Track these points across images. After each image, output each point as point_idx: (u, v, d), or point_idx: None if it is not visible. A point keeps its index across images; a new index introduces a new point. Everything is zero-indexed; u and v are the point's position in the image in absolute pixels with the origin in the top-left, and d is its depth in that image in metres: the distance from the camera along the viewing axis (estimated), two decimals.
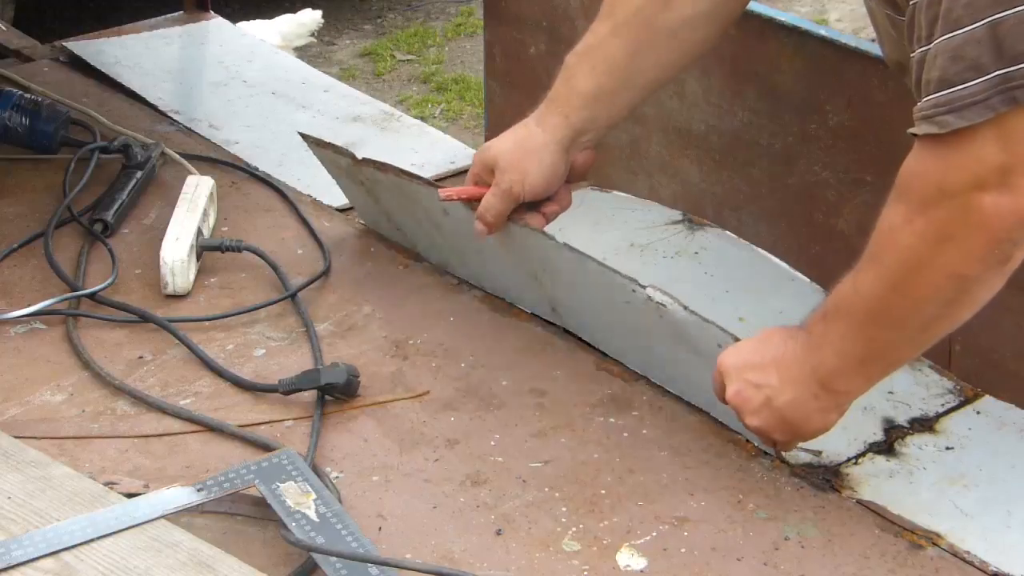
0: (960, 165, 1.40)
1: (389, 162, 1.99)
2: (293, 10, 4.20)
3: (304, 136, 2.12)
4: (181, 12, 2.96)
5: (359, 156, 2.02)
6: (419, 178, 1.96)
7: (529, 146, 1.79)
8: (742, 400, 1.62)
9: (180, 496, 1.56)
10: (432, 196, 1.92)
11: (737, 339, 1.63)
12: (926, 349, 1.59)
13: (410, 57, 5.07)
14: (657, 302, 1.70)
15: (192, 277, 2.02)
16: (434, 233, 2.01)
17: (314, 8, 4.21)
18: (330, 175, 2.15)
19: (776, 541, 1.59)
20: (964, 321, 1.52)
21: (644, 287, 1.71)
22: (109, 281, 2.00)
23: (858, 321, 1.53)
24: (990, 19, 1.36)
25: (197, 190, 2.12)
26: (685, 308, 1.68)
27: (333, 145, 2.07)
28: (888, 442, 1.76)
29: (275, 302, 1.99)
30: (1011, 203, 1.39)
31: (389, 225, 2.11)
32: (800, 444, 1.66)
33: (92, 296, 1.98)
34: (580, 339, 1.91)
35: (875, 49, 1.86)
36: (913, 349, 1.58)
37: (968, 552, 1.58)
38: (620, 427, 1.76)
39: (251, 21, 3.84)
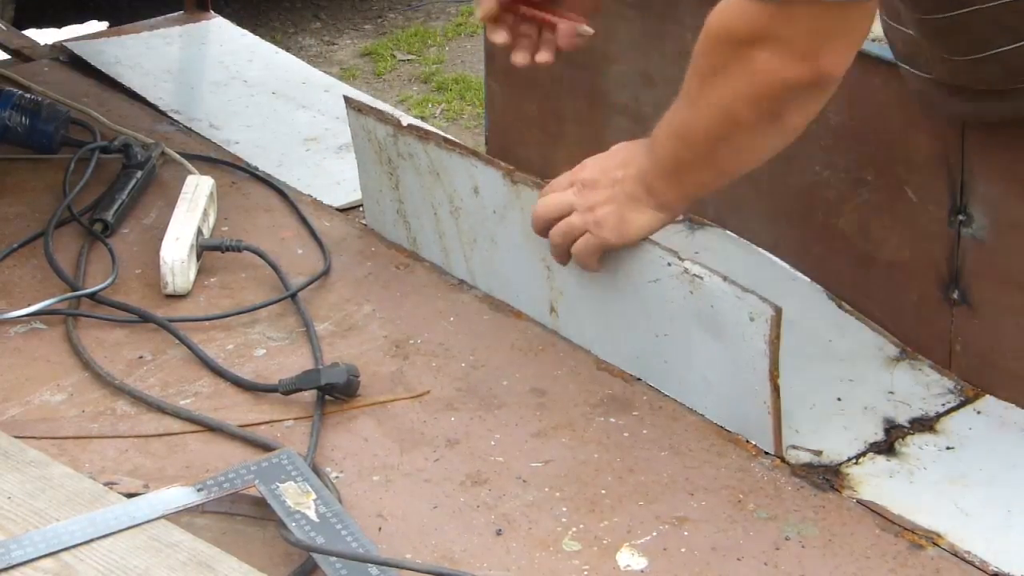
0: (751, 20, 1.56)
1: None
2: (292, 10, 4.20)
3: (347, 100, 2.13)
4: (181, 12, 2.96)
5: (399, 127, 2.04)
6: (462, 147, 1.98)
7: None
8: (594, 188, 1.76)
9: (180, 496, 1.56)
10: (468, 171, 1.93)
11: (779, 308, 1.65)
12: (723, 180, 1.74)
13: (410, 57, 5.07)
14: (694, 274, 1.70)
15: (192, 277, 2.02)
16: (447, 222, 2.02)
17: (315, 9, 4.21)
18: (356, 151, 2.14)
19: (776, 541, 1.59)
20: (748, 165, 1.70)
21: (682, 260, 1.72)
22: (109, 281, 2.00)
23: (671, 133, 1.70)
24: None
25: (197, 190, 2.12)
26: (725, 279, 1.69)
27: (377, 110, 2.09)
28: (888, 442, 1.76)
29: (275, 302, 1.99)
30: (777, 67, 1.56)
31: (395, 218, 2.11)
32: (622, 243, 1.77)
33: (92, 296, 1.98)
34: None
35: (875, 49, 1.86)
36: (708, 174, 1.72)
37: (969, 552, 1.58)
38: (620, 427, 1.76)
39: (42, 29, 3.79)
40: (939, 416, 1.80)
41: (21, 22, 4.15)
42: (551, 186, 1.82)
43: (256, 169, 2.35)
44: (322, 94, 2.65)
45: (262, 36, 3.02)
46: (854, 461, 1.72)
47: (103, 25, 4.13)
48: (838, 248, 1.97)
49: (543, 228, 1.83)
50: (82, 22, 3.96)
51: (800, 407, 1.79)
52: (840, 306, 1.97)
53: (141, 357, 1.88)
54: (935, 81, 1.74)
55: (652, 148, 1.73)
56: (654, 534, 1.60)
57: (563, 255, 1.83)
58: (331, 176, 2.36)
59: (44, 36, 2.96)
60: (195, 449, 1.72)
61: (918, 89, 1.78)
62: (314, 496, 1.57)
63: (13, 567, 1.43)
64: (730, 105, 1.62)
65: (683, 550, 1.58)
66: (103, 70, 2.68)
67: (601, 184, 1.77)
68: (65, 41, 2.80)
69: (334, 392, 1.79)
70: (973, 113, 1.74)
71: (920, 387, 1.84)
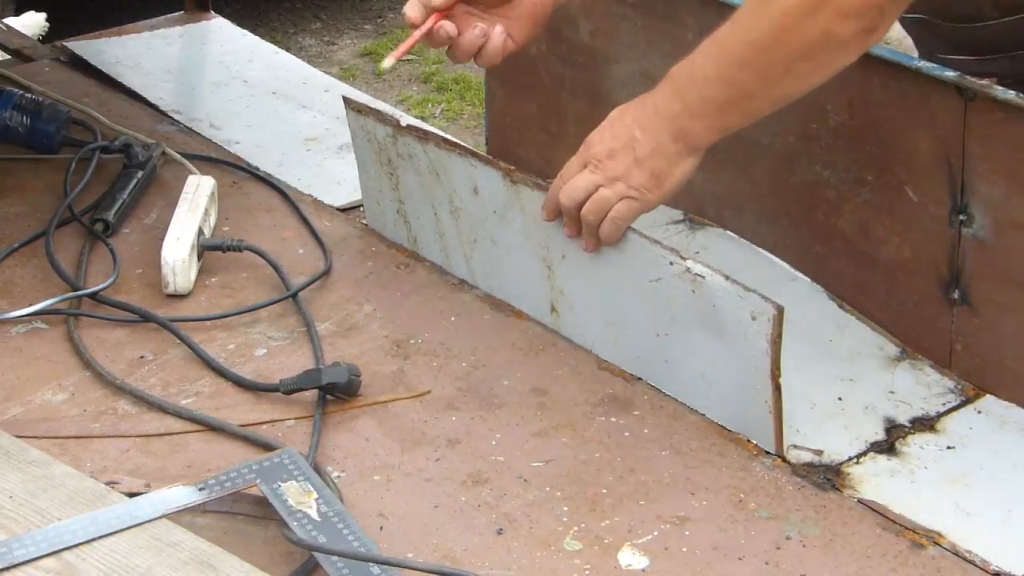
0: None
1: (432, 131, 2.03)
2: (292, 10, 4.19)
3: (346, 100, 2.13)
4: (181, 12, 2.96)
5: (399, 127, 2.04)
6: (462, 147, 1.98)
7: None
8: (612, 158, 1.75)
9: (181, 495, 1.56)
10: (468, 171, 1.93)
11: (780, 307, 1.65)
12: (774, 108, 1.73)
13: (410, 57, 5.07)
14: (696, 273, 1.71)
15: (193, 277, 2.02)
16: (447, 223, 2.02)
17: (315, 9, 4.21)
18: (355, 151, 2.14)
19: (777, 540, 1.59)
20: (812, 87, 1.69)
21: (684, 259, 1.72)
22: (110, 281, 2.00)
23: (728, 63, 1.68)
24: None
25: (198, 190, 2.12)
26: (727, 278, 1.69)
27: (376, 111, 2.09)
28: (889, 441, 1.76)
29: (276, 302, 1.99)
30: None
31: (395, 218, 2.11)
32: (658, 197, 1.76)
33: (93, 296, 1.98)
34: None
35: (876, 49, 1.86)
36: (766, 102, 1.72)
37: (969, 551, 1.58)
38: (621, 426, 1.76)
39: None
40: (940, 416, 1.80)
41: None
42: (564, 173, 1.81)
43: (257, 169, 2.35)
44: (322, 94, 2.65)
45: (262, 36, 3.02)
46: (855, 460, 1.72)
47: (40, 16, 4.14)
48: (838, 248, 1.97)
49: (575, 213, 1.80)
50: (83, 23, 3.96)
51: (801, 406, 1.79)
52: (840, 306, 1.97)
53: (142, 357, 1.89)
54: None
55: (686, 90, 1.71)
56: (655, 533, 1.60)
57: (594, 233, 1.80)
58: (332, 176, 2.36)
59: None
60: (196, 449, 1.72)
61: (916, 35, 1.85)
62: (316, 495, 1.57)
63: (15, 566, 1.44)
64: (830, 22, 1.60)
65: (684, 549, 1.58)
66: (104, 70, 2.68)
67: (619, 152, 1.75)
68: (66, 41, 2.80)
69: (335, 392, 1.79)
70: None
71: (921, 387, 1.85)
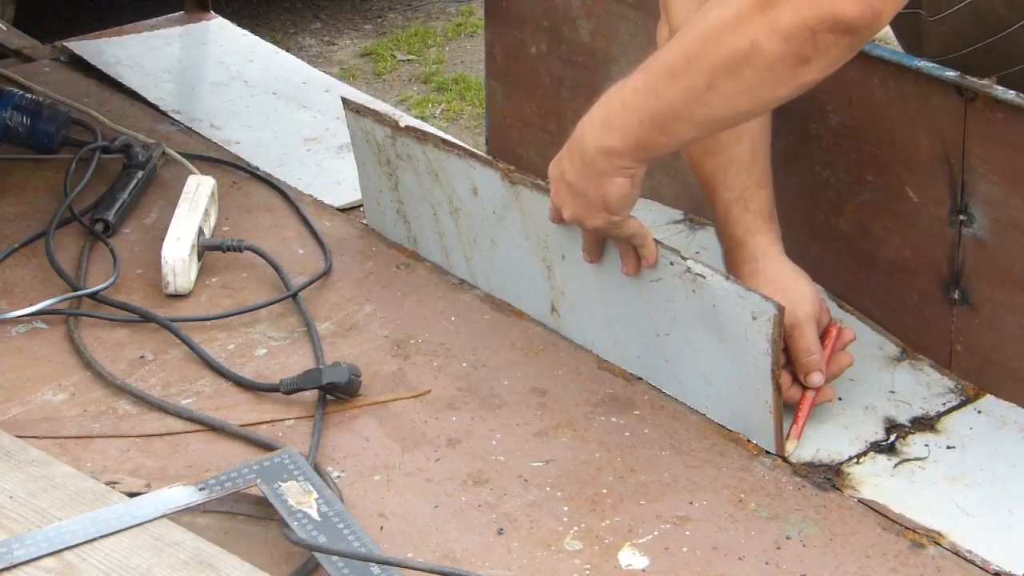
0: None
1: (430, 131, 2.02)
2: (292, 10, 4.19)
3: (345, 101, 2.13)
4: (181, 12, 2.96)
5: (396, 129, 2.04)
6: (460, 147, 1.98)
7: None
8: (555, 195, 1.74)
9: (182, 495, 1.56)
10: (466, 171, 1.93)
11: (781, 306, 1.65)
12: (698, 134, 1.69)
13: (410, 57, 5.07)
14: (696, 273, 1.70)
15: (193, 277, 2.02)
16: (446, 223, 2.02)
17: (315, 9, 4.20)
18: (355, 151, 2.15)
19: (778, 540, 1.59)
20: (737, 116, 1.65)
21: (684, 259, 1.72)
22: (110, 281, 2.00)
23: (657, 72, 1.62)
24: None
25: (198, 190, 2.13)
26: (727, 278, 1.69)
27: (375, 112, 2.09)
28: (889, 441, 1.76)
29: (276, 302, 1.99)
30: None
31: (395, 218, 2.11)
32: (613, 220, 1.72)
33: (93, 296, 1.98)
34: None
35: (875, 49, 1.86)
36: (689, 124, 1.64)
37: (969, 551, 1.58)
38: (621, 426, 1.77)
39: None
40: (940, 415, 1.80)
41: (21, 22, 4.15)
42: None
43: (257, 169, 2.35)
44: (322, 94, 2.65)
45: (262, 36, 3.03)
46: (855, 460, 1.72)
47: None
48: (838, 248, 1.97)
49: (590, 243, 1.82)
50: (83, 23, 3.96)
51: None
52: (840, 306, 1.97)
53: (142, 357, 1.89)
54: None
55: (610, 102, 1.66)
56: (655, 533, 1.60)
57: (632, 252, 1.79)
58: (332, 176, 2.36)
59: None
60: (197, 449, 1.72)
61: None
62: (316, 495, 1.57)
63: (15, 566, 1.44)
64: (759, 33, 1.53)
65: (684, 549, 1.58)
66: (104, 70, 2.68)
67: (558, 188, 1.74)
68: (66, 41, 2.80)
69: (335, 392, 1.79)
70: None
71: (921, 386, 1.85)
